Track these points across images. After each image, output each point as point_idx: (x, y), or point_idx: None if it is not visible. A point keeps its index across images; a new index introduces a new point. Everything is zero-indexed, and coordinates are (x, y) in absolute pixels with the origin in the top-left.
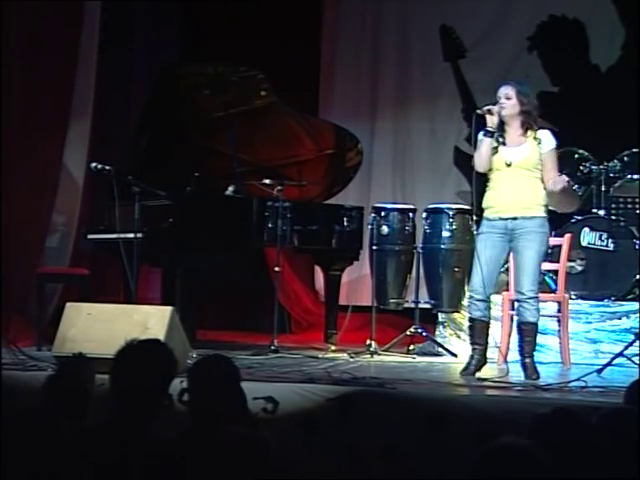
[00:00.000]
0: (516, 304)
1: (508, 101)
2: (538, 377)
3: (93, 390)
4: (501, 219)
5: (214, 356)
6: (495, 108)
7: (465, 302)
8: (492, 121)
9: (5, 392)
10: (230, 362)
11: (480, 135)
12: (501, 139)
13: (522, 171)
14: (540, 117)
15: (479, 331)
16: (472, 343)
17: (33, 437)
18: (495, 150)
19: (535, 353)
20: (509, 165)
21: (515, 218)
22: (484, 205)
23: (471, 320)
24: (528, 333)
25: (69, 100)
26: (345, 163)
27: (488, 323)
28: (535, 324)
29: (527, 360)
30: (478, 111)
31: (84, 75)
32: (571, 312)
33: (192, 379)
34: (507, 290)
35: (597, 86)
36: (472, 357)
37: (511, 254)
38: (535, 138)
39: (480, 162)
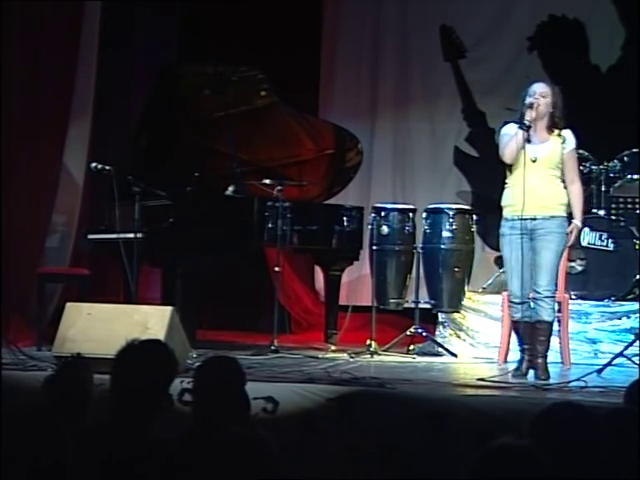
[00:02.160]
0: (532, 303)
1: (544, 99)
2: (548, 377)
3: (91, 391)
4: (520, 219)
5: (221, 357)
6: (530, 102)
7: (465, 302)
8: (531, 115)
9: (5, 392)
10: (236, 364)
11: (510, 128)
12: (528, 134)
13: (545, 169)
14: None
15: (524, 332)
16: (521, 344)
17: (33, 437)
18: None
19: None
20: (534, 161)
21: (534, 218)
22: (503, 203)
23: (514, 323)
24: (543, 332)
25: (69, 100)
26: (345, 163)
27: (532, 323)
28: (550, 323)
29: (539, 360)
30: (527, 102)
31: (84, 75)
32: (571, 312)
33: (198, 379)
34: (507, 290)
35: (597, 86)
36: (522, 358)
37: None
38: (559, 136)
39: (512, 154)
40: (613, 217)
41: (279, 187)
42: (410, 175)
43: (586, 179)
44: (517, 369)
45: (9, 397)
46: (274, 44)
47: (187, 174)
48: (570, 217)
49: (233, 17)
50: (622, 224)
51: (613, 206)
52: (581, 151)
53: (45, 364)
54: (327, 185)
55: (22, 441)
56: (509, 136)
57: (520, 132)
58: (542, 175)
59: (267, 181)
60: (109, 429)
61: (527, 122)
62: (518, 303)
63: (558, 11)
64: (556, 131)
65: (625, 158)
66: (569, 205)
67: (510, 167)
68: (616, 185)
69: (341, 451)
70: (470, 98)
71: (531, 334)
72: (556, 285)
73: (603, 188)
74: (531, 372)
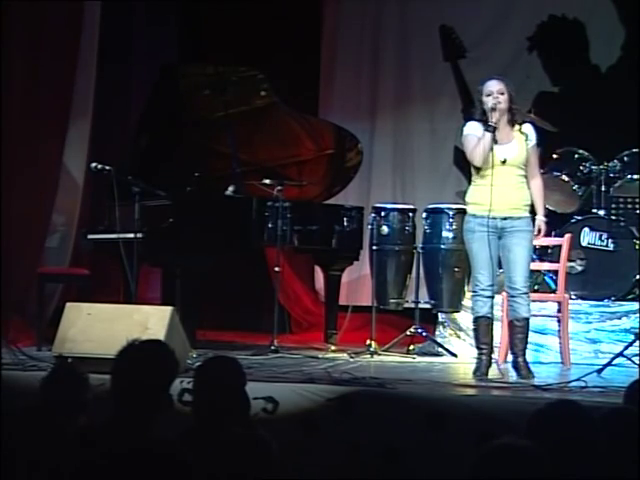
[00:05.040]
0: (508, 300)
1: (502, 96)
2: (532, 376)
3: (87, 391)
4: (491, 218)
5: (221, 357)
6: (493, 103)
7: (465, 302)
8: (495, 117)
9: (5, 392)
10: (236, 364)
11: (472, 128)
12: (495, 135)
13: (514, 169)
14: (539, 116)
15: (484, 330)
16: (479, 344)
17: (33, 436)
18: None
19: (535, 353)
20: (504, 162)
21: (505, 218)
22: (470, 200)
23: (476, 319)
24: (520, 329)
25: (69, 100)
26: (345, 163)
27: (492, 320)
28: (527, 320)
29: (520, 359)
30: (490, 105)
31: (84, 75)
32: (571, 312)
33: (198, 379)
34: (505, 290)
35: (597, 86)
36: (480, 359)
37: (500, 252)
38: (522, 133)
39: (482, 156)
40: (613, 217)
41: (279, 187)
42: (410, 175)
43: (586, 179)
44: (477, 369)
45: (9, 397)
46: (274, 44)
47: (187, 174)
48: (549, 219)
49: (233, 17)
50: (622, 224)
51: (613, 206)
52: (581, 151)
53: (45, 364)
54: (327, 185)
55: (22, 441)
56: (474, 137)
57: (488, 135)
58: (510, 176)
59: (267, 181)
60: (109, 429)
61: (493, 124)
62: (486, 297)
63: (558, 11)
64: (517, 127)
65: (625, 158)
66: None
67: (479, 167)
68: (616, 185)
69: (341, 451)
70: (470, 98)
71: (510, 332)
72: (553, 286)
73: (603, 188)
74: (497, 370)
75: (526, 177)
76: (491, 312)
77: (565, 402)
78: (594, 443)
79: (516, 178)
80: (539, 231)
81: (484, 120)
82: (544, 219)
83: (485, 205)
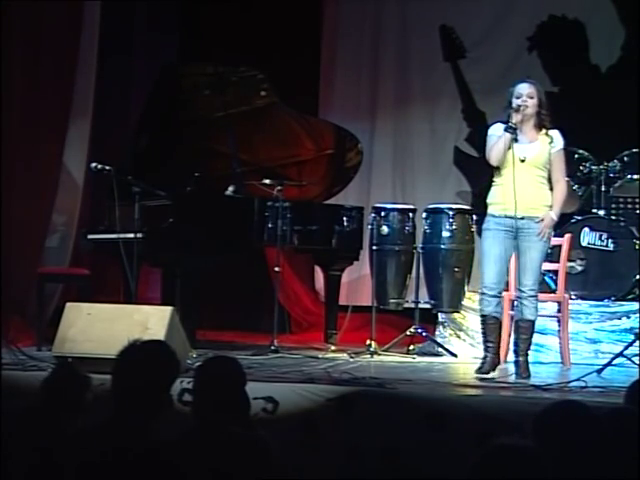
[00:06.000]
0: (515, 302)
1: (531, 100)
2: (529, 376)
3: (87, 391)
4: (508, 217)
5: (221, 357)
6: (517, 104)
7: (465, 302)
8: (517, 118)
9: (5, 392)
10: (236, 364)
11: (496, 129)
12: (514, 135)
13: (533, 169)
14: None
15: (491, 328)
16: (485, 342)
17: (33, 436)
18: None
19: (535, 353)
20: (523, 161)
21: (522, 217)
22: (490, 201)
23: (483, 317)
24: (525, 331)
25: (69, 100)
26: (345, 163)
27: (500, 320)
28: (533, 322)
29: (521, 358)
30: (514, 106)
31: (84, 75)
32: (571, 312)
33: (198, 379)
34: (507, 290)
35: (597, 86)
36: (485, 356)
37: (514, 252)
38: (547, 135)
39: (498, 156)
40: (613, 217)
41: (279, 187)
42: (410, 175)
43: (586, 179)
44: (480, 368)
45: (9, 397)
46: (274, 44)
47: (187, 174)
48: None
49: (233, 17)
50: (622, 224)
51: (613, 206)
52: (581, 151)
53: (45, 364)
54: (327, 185)
55: (22, 441)
56: (494, 137)
57: (506, 134)
58: (530, 175)
59: (267, 181)
60: (109, 429)
61: (513, 125)
62: (491, 296)
63: (558, 11)
64: (544, 130)
65: (625, 158)
66: (552, 206)
67: (498, 166)
68: (616, 185)
69: (341, 451)
70: (470, 98)
71: (515, 332)
72: (553, 286)
73: (603, 188)
74: (497, 370)
75: (549, 180)
76: (498, 311)
77: (571, 402)
78: (600, 444)
79: (535, 178)
80: (541, 220)
81: (507, 122)
82: (553, 215)
83: (504, 204)
